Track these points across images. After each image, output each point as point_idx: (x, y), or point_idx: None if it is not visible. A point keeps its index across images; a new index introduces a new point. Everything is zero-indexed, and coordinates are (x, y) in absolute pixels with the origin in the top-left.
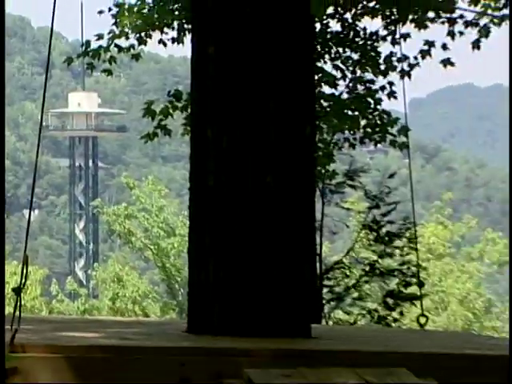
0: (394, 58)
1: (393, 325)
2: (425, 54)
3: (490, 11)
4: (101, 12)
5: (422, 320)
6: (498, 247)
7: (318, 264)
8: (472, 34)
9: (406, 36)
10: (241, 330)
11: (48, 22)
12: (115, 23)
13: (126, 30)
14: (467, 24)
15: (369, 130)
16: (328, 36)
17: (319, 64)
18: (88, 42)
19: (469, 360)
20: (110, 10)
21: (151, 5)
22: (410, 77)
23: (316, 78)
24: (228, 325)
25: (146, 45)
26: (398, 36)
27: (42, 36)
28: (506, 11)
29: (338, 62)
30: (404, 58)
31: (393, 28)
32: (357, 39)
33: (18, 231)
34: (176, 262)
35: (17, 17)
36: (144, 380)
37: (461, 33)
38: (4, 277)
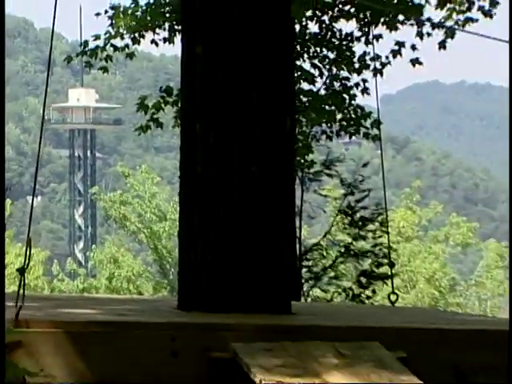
0: (367, 57)
1: (366, 302)
2: (395, 53)
3: (455, 14)
4: (98, 14)
5: (393, 297)
6: (461, 230)
7: (297, 246)
8: (438, 35)
9: (378, 37)
10: (227, 307)
11: (49, 24)
12: (111, 24)
13: (121, 30)
14: (434, 26)
15: (344, 123)
16: (307, 37)
17: (298, 62)
18: (86, 42)
19: (436, 334)
20: (106, 12)
21: (144, 7)
22: (381, 74)
23: (295, 75)
24: (215, 302)
25: (139, 44)
26: (371, 37)
27: (43, 36)
28: (469, 14)
29: (316, 61)
30: (376, 57)
31: (366, 29)
32: (333, 40)
33: (21, 216)
34: (167, 244)
35: (21, 19)
36: (137, 353)
37: (428, 34)
38: (4, 268)
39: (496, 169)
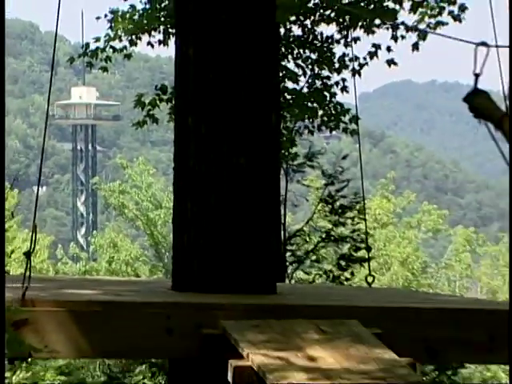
0: (346, 58)
1: (345, 283)
2: (372, 54)
3: (426, 18)
4: (98, 18)
5: (370, 279)
6: (432, 217)
7: (282, 232)
8: (412, 37)
9: (356, 39)
10: (217, 287)
11: (54, 27)
12: (110, 28)
13: (120, 33)
14: (408, 29)
15: (325, 118)
16: (291, 39)
17: (283, 63)
18: (87, 44)
19: (409, 312)
20: (106, 16)
21: (141, 12)
22: (359, 74)
23: (280, 74)
24: (207, 283)
25: (136, 46)
26: (349, 39)
27: (48, 39)
28: (440, 18)
29: (299, 61)
30: (355, 58)
31: (345, 33)
32: (315, 42)
33: (28, 204)
34: (162, 230)
35: (27, 22)
36: (135, 330)
37: (402, 37)
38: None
39: (464, 161)
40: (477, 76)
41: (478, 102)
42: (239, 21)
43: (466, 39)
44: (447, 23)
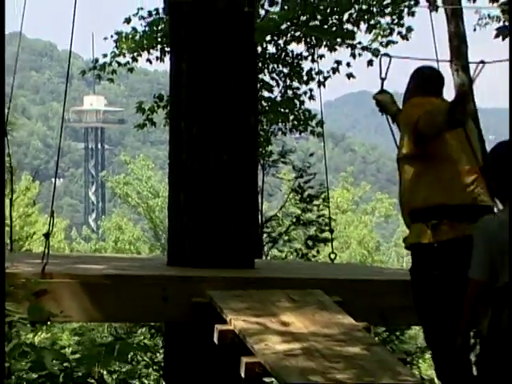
0: (313, 72)
1: (312, 259)
2: (334, 69)
3: (379, 37)
4: (106, 38)
5: (332, 256)
6: (384, 204)
7: (259, 217)
8: (367, 55)
9: (321, 56)
10: (205, 263)
11: (69, 46)
12: (116, 46)
13: (124, 51)
14: (363, 48)
15: (295, 122)
16: (266, 56)
17: (260, 76)
18: (97, 60)
19: (365, 283)
20: (112, 36)
21: (141, 33)
22: (324, 85)
23: (258, 85)
24: (196, 259)
25: (137, 61)
26: (316, 56)
27: (64, 56)
28: (391, 38)
29: (274, 75)
30: (320, 72)
31: (312, 51)
32: (287, 58)
33: (47, 194)
34: (159, 215)
35: (47, 42)
36: (136, 299)
37: (359, 54)
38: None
39: None
40: (383, 80)
41: (381, 99)
42: (224, 40)
43: (413, 54)
44: (397, 42)
